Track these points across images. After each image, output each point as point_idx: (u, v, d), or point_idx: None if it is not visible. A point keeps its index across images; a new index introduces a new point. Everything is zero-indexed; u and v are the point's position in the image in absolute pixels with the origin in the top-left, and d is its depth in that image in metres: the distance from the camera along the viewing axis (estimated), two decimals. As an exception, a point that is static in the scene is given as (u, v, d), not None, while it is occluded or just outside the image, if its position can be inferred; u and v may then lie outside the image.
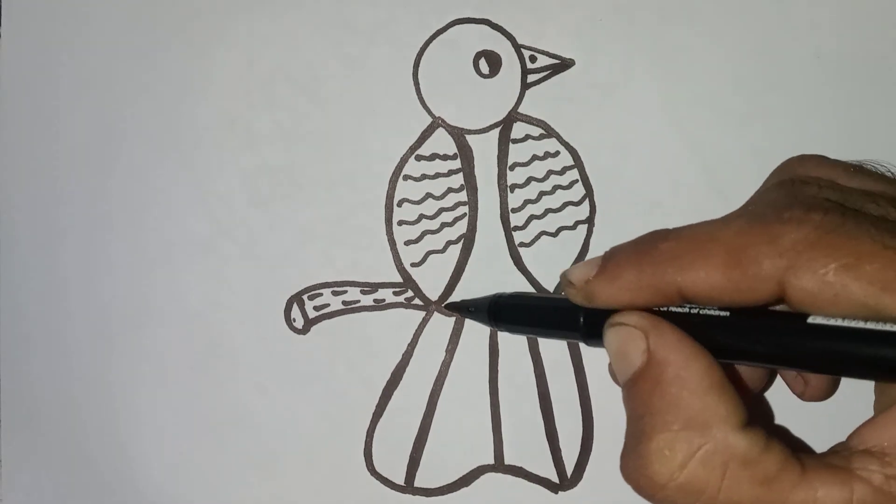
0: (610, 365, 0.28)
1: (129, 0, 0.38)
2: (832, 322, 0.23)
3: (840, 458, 0.23)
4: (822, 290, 0.22)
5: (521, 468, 0.37)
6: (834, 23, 0.36)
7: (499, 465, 0.37)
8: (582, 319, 0.28)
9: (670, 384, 0.24)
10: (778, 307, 0.24)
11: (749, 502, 0.23)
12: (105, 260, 0.38)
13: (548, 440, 0.37)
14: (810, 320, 0.23)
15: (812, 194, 0.25)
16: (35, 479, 0.39)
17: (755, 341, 0.24)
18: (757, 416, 0.24)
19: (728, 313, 0.25)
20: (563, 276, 0.27)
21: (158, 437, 0.38)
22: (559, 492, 0.37)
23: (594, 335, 0.27)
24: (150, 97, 0.38)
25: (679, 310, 0.25)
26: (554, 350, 0.37)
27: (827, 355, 0.23)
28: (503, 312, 0.32)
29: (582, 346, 0.36)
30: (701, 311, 0.25)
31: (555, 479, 0.37)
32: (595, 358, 0.36)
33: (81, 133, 0.38)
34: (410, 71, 0.37)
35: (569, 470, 0.37)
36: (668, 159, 0.36)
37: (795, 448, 0.24)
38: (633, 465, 0.24)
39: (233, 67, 0.38)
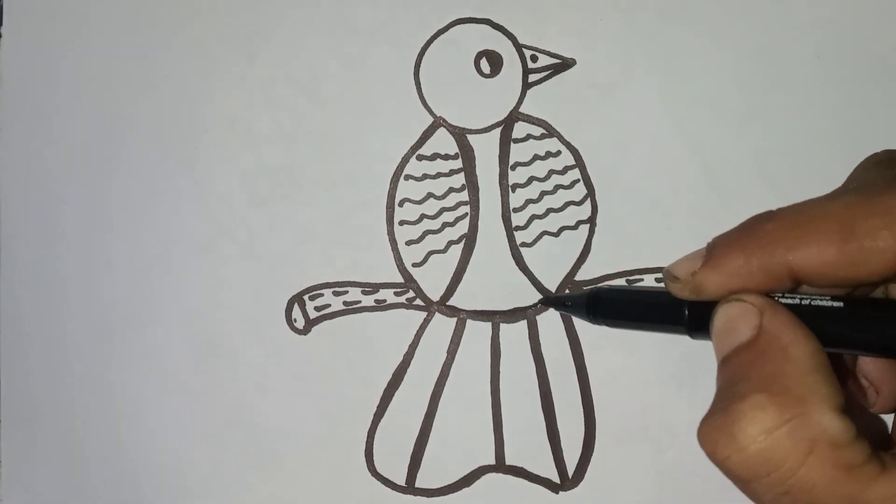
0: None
1: (129, 0, 0.38)
2: None
3: None
4: None
5: (522, 468, 0.37)
6: (834, 23, 0.36)
7: (500, 466, 0.37)
8: (687, 312, 0.26)
9: (775, 355, 0.23)
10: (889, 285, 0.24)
11: (826, 485, 0.22)
12: (105, 260, 0.38)
13: (549, 440, 0.37)
14: None
15: None
16: (35, 479, 0.38)
17: (870, 332, 0.24)
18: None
19: (842, 304, 0.24)
20: (667, 271, 0.26)
21: (158, 437, 0.38)
22: (560, 492, 0.37)
23: (699, 328, 0.26)
24: (150, 97, 0.38)
25: (790, 300, 0.25)
26: (556, 350, 0.37)
27: None
28: (603, 307, 0.31)
29: (583, 345, 0.36)
30: (813, 302, 0.24)
31: (556, 479, 0.37)
32: (597, 357, 0.36)
33: (81, 133, 0.38)
34: (411, 71, 0.37)
35: (570, 470, 0.37)
36: (669, 159, 0.36)
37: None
38: (715, 424, 0.23)
39: (233, 67, 0.38)
